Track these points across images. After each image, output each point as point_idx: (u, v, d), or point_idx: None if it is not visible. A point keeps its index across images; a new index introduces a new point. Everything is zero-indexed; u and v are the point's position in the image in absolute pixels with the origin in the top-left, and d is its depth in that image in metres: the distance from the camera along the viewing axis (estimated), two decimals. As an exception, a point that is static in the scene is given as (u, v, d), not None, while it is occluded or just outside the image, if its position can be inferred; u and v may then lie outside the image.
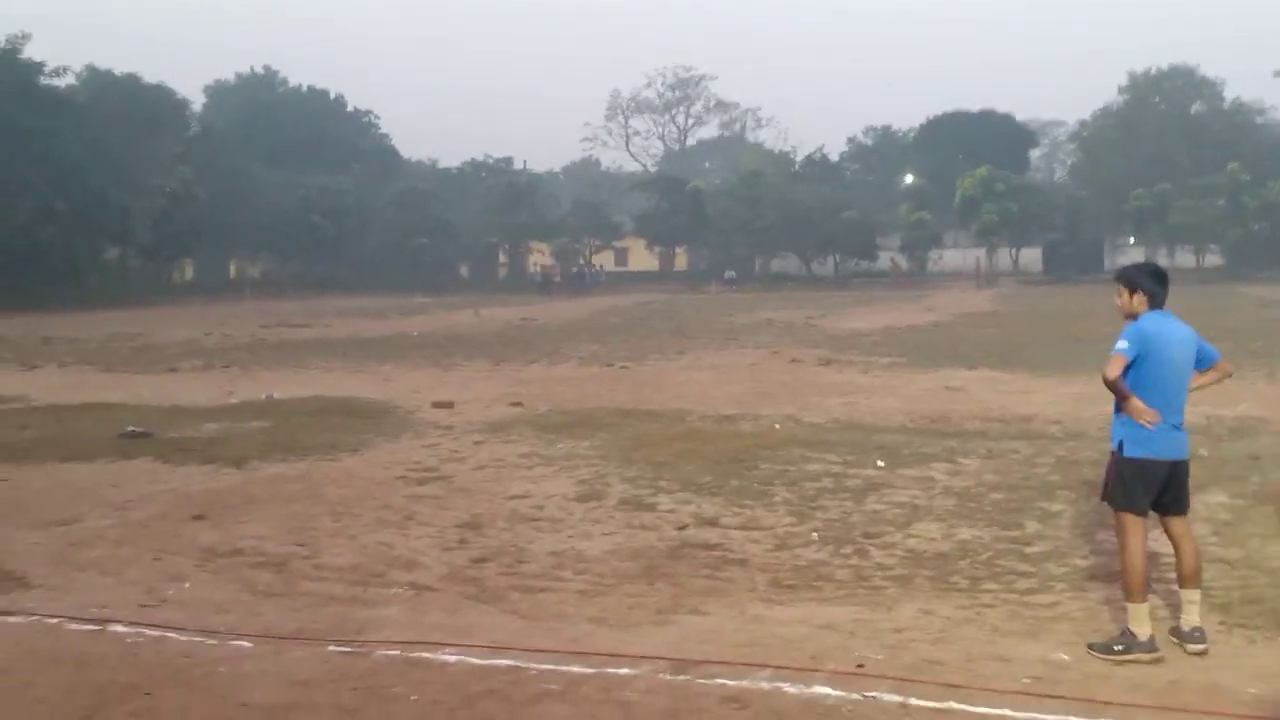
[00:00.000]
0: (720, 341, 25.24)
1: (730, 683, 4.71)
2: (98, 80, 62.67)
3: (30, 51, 55.02)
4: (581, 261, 74.19)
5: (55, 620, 5.53)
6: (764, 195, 71.00)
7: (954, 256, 74.62)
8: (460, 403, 14.14)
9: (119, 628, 5.42)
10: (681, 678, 4.78)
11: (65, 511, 8.08)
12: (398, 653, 5.09)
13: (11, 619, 5.57)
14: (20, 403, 14.93)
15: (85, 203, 53.42)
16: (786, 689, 4.63)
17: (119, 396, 15.34)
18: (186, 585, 6.20)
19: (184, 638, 5.30)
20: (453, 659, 5.02)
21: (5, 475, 9.62)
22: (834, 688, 4.61)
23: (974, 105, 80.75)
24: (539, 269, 74.16)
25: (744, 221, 70.76)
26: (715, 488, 8.63)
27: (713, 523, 7.55)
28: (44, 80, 55.66)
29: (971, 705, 4.42)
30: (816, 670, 4.81)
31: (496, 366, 19.90)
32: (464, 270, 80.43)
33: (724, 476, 9.04)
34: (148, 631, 5.36)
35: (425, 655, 5.05)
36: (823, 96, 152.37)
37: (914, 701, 4.46)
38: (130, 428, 11.81)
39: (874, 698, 4.51)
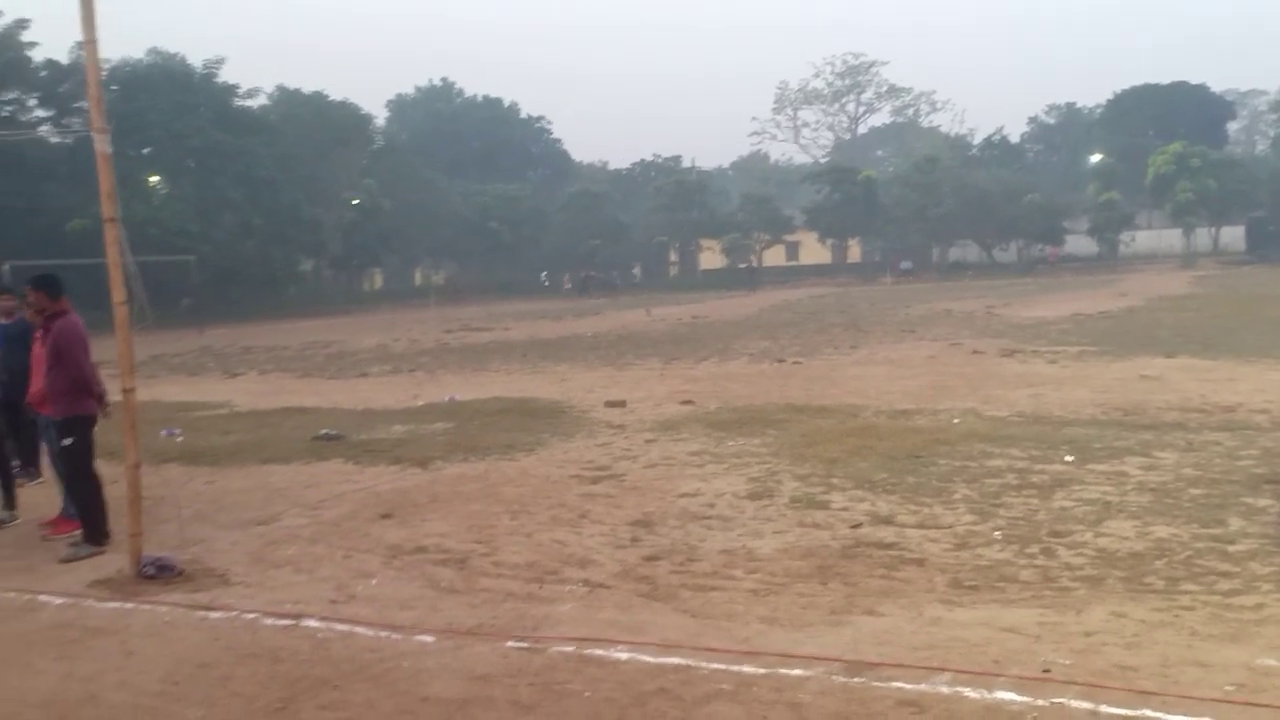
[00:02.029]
0: (896, 334, 24.66)
1: (907, 686, 4.57)
2: (288, 99, 66.34)
3: (225, 75, 58.81)
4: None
5: (253, 615, 5.86)
6: (940, 181, 69.04)
7: (1148, 238, 70.63)
8: (632, 401, 14.28)
9: (311, 623, 5.70)
10: (856, 680, 4.67)
11: (264, 511, 8.56)
12: (572, 649, 5.17)
13: (214, 614, 5.93)
14: (225, 409, 15.93)
15: (280, 218, 56.67)
16: (967, 693, 4.47)
17: (314, 401, 16.17)
18: (374, 582, 6.47)
19: (371, 633, 5.53)
20: (625, 656, 5.06)
21: (211, 478, 10.28)
22: (1018, 693, 4.42)
23: (1164, 78, 76.26)
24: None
25: (919, 209, 68.99)
26: (891, 485, 8.42)
27: (888, 521, 7.37)
28: (238, 101, 59.28)
29: (1168, 714, 4.15)
30: (999, 675, 4.61)
31: (668, 365, 20.01)
32: (637, 271, 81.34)
33: (900, 473, 8.81)
34: (337, 626, 5.62)
35: (599, 652, 5.11)
36: (1000, 77, 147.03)
37: (1105, 709, 4.23)
38: (324, 431, 12.42)
39: (1061, 704, 4.29)
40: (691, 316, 35.97)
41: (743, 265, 72.56)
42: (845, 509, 7.76)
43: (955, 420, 11.48)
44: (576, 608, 5.83)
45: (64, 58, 51.06)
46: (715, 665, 4.90)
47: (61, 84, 51.34)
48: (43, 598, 6.38)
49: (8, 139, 41.09)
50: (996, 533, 6.94)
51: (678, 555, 6.77)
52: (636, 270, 76.45)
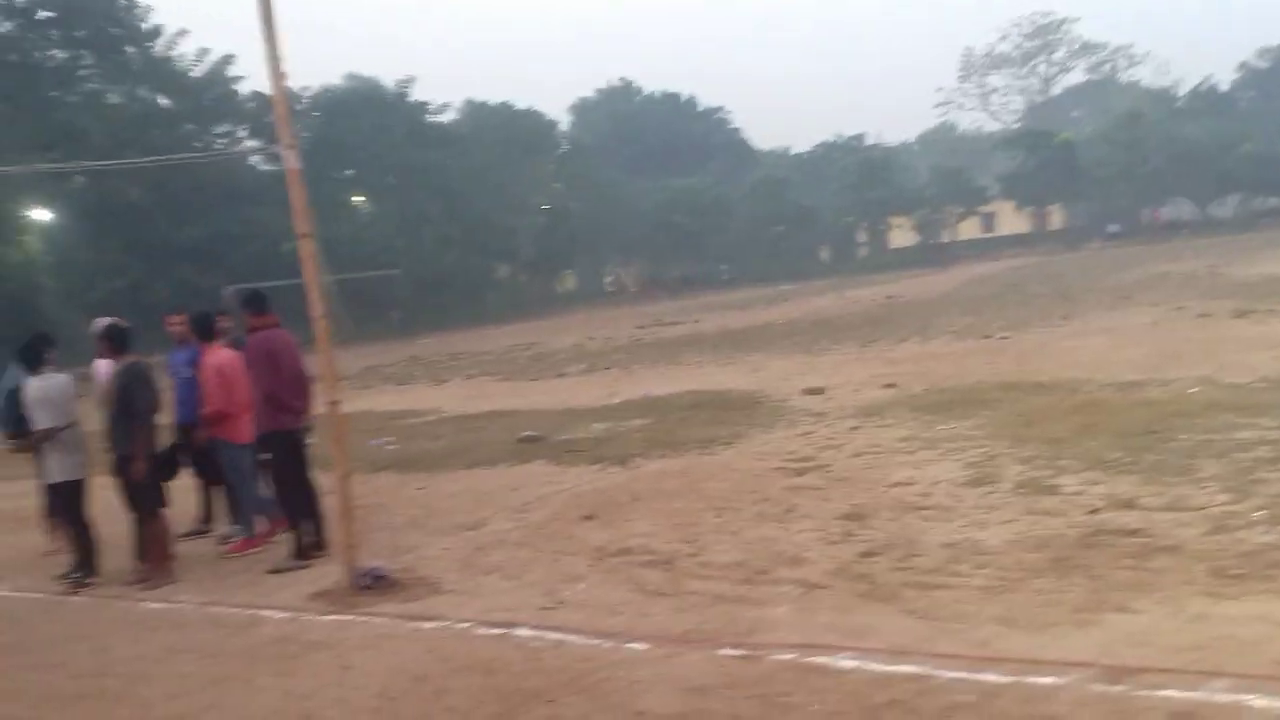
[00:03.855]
0: (1110, 301, 23.12)
1: (1178, 694, 4.04)
2: (476, 112, 68.46)
3: (416, 93, 61.22)
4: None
5: (465, 625, 5.80)
6: (1145, 138, 64.81)
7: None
8: (831, 388, 13.80)
9: (522, 631, 5.59)
10: (1117, 688, 4.16)
11: (472, 516, 8.60)
12: (792, 657, 4.85)
13: (427, 625, 5.90)
14: (434, 415, 16.35)
15: (476, 227, 58.58)
16: (1252, 702, 3.91)
17: (516, 404, 16.40)
18: (581, 586, 6.33)
19: (582, 641, 5.36)
20: (850, 665, 4.70)
21: (423, 483, 10.48)
22: (1314, 701, 3.83)
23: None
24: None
25: (1124, 169, 64.96)
26: (1127, 464, 7.70)
27: (1130, 504, 6.70)
28: (430, 118, 61.62)
29: None
30: (1288, 679, 4.02)
31: (865, 348, 19.35)
32: (824, 253, 79.97)
33: (1136, 451, 8.05)
34: (548, 635, 5.48)
35: (821, 660, 4.77)
36: (1204, 24, 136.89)
37: None
38: (526, 433, 12.51)
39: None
40: (885, 297, 34.91)
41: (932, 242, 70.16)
42: (1078, 493, 7.12)
43: (1192, 390, 10.51)
44: (791, 610, 5.50)
45: (270, 89, 54.12)
46: (952, 673, 4.48)
47: (268, 114, 54.47)
48: (265, 612, 6.54)
49: (205, 165, 43.95)
50: (1257, 513, 6.19)
51: (896, 550, 6.33)
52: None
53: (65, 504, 7.90)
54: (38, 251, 45.24)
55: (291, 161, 6.83)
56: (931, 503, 7.37)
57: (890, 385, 13.46)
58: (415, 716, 4.62)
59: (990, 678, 4.37)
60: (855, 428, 10.75)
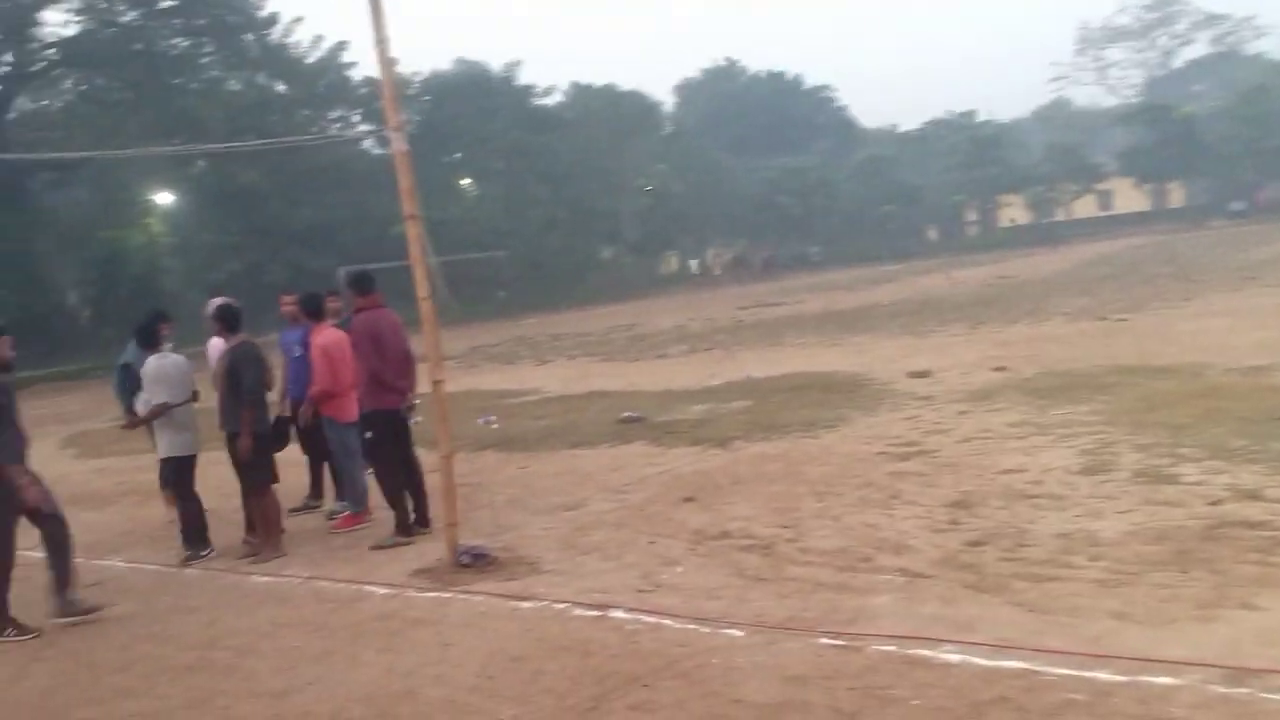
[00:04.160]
0: (1235, 282, 22.09)
1: (1309, 700, 3.81)
2: (581, 94, 68.72)
3: (523, 77, 61.85)
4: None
5: (563, 606, 5.80)
6: (1272, 111, 61.65)
7: None
8: (938, 371, 13.48)
9: (619, 614, 5.56)
10: (1240, 690, 3.94)
11: (572, 496, 8.63)
12: (894, 648, 4.72)
13: (525, 604, 5.92)
14: (536, 395, 16.49)
15: (580, 209, 59.02)
16: (1393, 712, 3.66)
17: (616, 384, 16.43)
18: (679, 569, 6.28)
19: (679, 625, 5.31)
20: (955, 658, 4.55)
21: (525, 463, 10.56)
22: None
23: None
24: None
25: (1249, 144, 62.01)
26: (1253, 453, 7.32)
27: (1255, 496, 6.36)
28: (536, 101, 62.18)
29: None
30: None
31: (974, 329, 18.86)
32: (931, 233, 78.31)
33: (1263, 439, 7.66)
34: (645, 618, 5.45)
35: (924, 652, 4.63)
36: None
37: None
38: (626, 413, 12.52)
39: None
40: (996, 277, 34.00)
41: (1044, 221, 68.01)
42: (1200, 483, 6.80)
43: (1326, 376, 9.97)
44: (894, 600, 5.36)
45: (378, 74, 55.25)
46: (1062, 670, 4.30)
47: (379, 99, 55.54)
48: (369, 588, 6.65)
49: (319, 150, 45.02)
50: (1399, 508, 5.83)
51: (1005, 540, 6.13)
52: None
53: (174, 478, 8.15)
54: (160, 234, 47.08)
55: (399, 145, 6.90)
56: (1043, 491, 7.12)
57: (1000, 368, 13.09)
58: (513, 696, 4.64)
59: (1103, 676, 4.19)
60: (963, 412, 10.47)
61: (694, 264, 75.98)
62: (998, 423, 9.67)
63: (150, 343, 8.22)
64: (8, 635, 6.37)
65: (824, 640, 4.91)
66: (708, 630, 5.20)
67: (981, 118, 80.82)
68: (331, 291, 9.68)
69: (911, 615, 5.10)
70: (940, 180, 73.60)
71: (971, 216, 79.11)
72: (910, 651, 4.66)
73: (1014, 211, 72.69)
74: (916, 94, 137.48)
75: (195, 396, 8.24)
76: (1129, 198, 73.26)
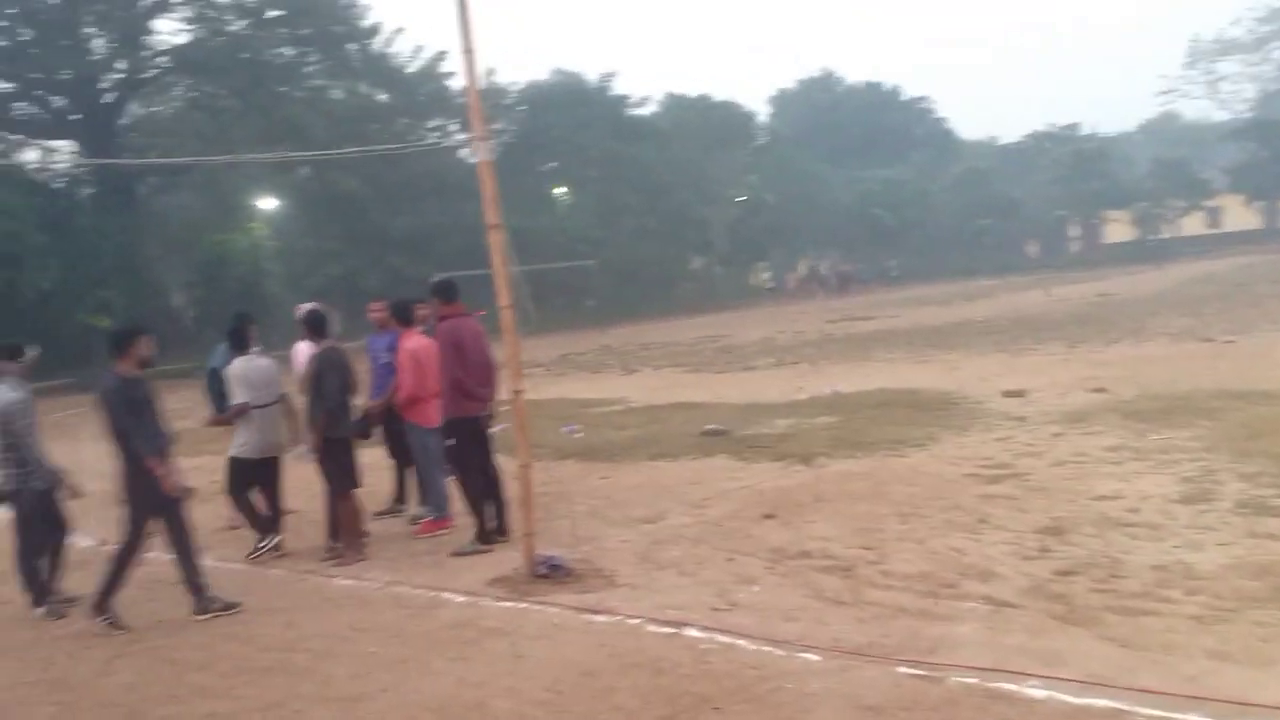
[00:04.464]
0: (1354, 305, 21.11)
1: None
2: (674, 105, 68.84)
3: (618, 87, 62.21)
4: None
5: (636, 621, 5.73)
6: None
7: None
8: (1033, 390, 13.10)
9: (693, 632, 5.48)
10: (1348, 744, 3.71)
11: (651, 508, 8.57)
12: (976, 680, 4.55)
13: (599, 618, 5.88)
14: (620, 405, 16.47)
15: (672, 219, 59.05)
16: None
17: (701, 396, 16.33)
18: (756, 589, 6.17)
19: (753, 646, 5.21)
20: (1041, 694, 4.37)
21: (606, 473, 10.53)
22: None
23: None
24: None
25: (1370, 162, 59.34)
26: (1370, 488, 6.94)
27: (1371, 533, 6.02)
28: (630, 111, 62.48)
29: None
30: None
31: (1072, 349, 18.31)
32: (1031, 248, 76.51)
33: (1381, 473, 7.26)
34: (719, 638, 5.35)
35: (1008, 686, 4.46)
36: None
37: None
38: (710, 426, 12.42)
39: None
40: (1097, 294, 33.03)
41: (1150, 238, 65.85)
42: (1309, 517, 6.46)
43: None
44: (978, 629, 5.18)
45: (465, 84, 56.05)
46: (1154, 711, 4.11)
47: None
48: (446, 595, 6.67)
49: (417, 159, 45.78)
50: None
51: (1098, 570, 5.89)
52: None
53: (231, 478, 8.30)
54: (263, 238, 48.37)
55: (483, 154, 6.95)
56: (1140, 519, 6.84)
57: (1099, 389, 12.67)
58: (583, 713, 4.59)
59: (1197, 719, 3.97)
60: (1058, 434, 10.15)
61: (766, 278, 72.99)
62: (1094, 446, 9.34)
63: (240, 345, 8.40)
64: (105, 621, 6.60)
65: (902, 669, 4.76)
66: (782, 653, 5.09)
67: (1085, 131, 78.79)
68: (422, 299, 9.80)
69: (996, 646, 4.93)
70: (1041, 194, 71.92)
71: (1074, 232, 77.08)
72: (993, 685, 4.49)
73: (1118, 228, 70.58)
74: (1018, 106, 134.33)
75: (283, 399, 8.39)
76: (1239, 215, 70.66)
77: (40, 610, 7.06)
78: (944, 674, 4.65)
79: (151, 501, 6.53)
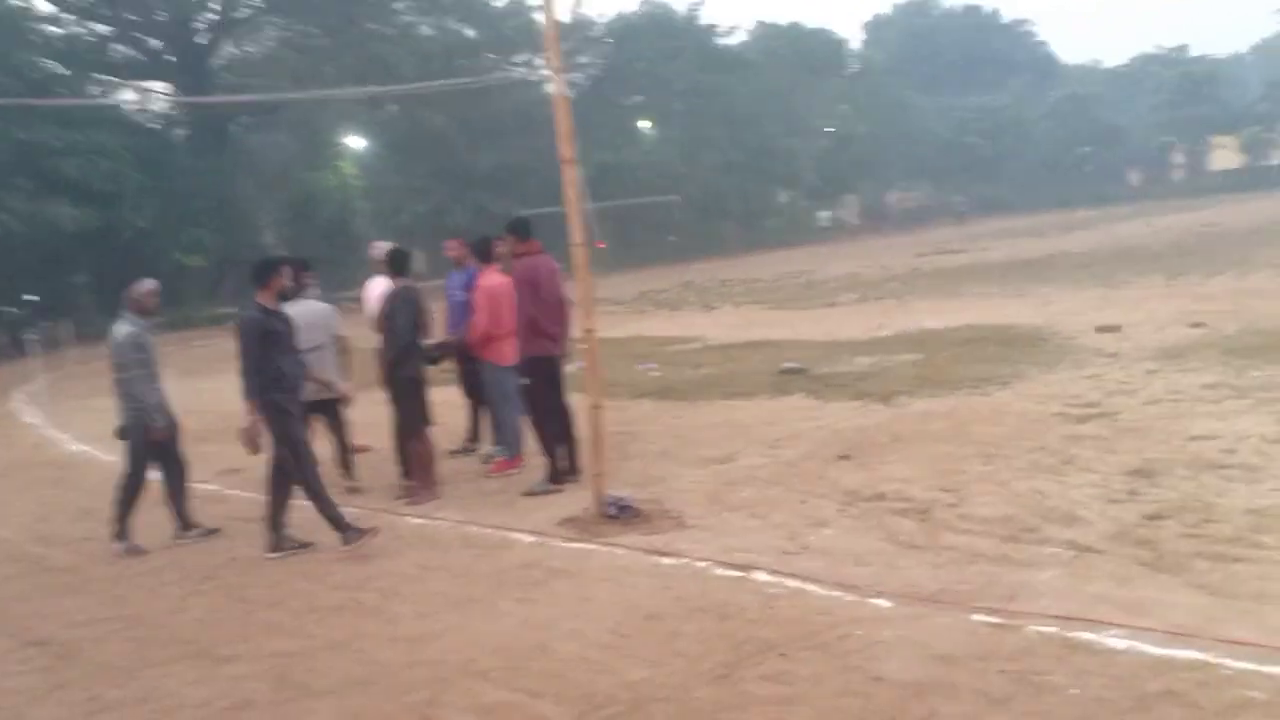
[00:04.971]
0: None
1: None
2: (764, 33, 67.44)
3: (706, 16, 61.03)
4: None
5: (703, 564, 5.63)
6: None
7: None
8: (1129, 325, 12.60)
9: (761, 575, 5.36)
10: None
11: (724, 449, 8.44)
12: (1054, 629, 4.36)
13: (666, 560, 5.79)
14: (698, 342, 16.33)
15: (758, 152, 58.15)
16: None
17: (781, 333, 16.09)
18: (828, 531, 6.02)
19: (822, 591, 5.08)
20: (1122, 644, 4.17)
21: (680, 413, 10.42)
22: None
23: None
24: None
25: None
26: None
27: None
28: (718, 41, 61.35)
29: None
30: None
31: (1172, 281, 17.58)
32: (1133, 177, 73.70)
33: None
34: (787, 582, 5.22)
35: (1087, 636, 4.26)
36: None
37: None
38: (787, 364, 12.21)
39: None
40: (1201, 224, 31.68)
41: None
42: None
43: None
44: (1059, 576, 4.97)
45: (566, 18, 55.57)
46: (1242, 664, 3.88)
47: (563, 42, 55.93)
48: (515, 535, 6.65)
49: (502, 94, 45.61)
50: None
51: (1189, 514, 5.61)
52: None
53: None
54: (352, 176, 48.94)
55: (560, 88, 6.81)
56: (1236, 461, 6.50)
57: (1198, 324, 12.12)
58: (645, 657, 4.52)
59: (1291, 674, 3.75)
60: (1153, 371, 9.73)
61: (824, 215, 68.64)
62: (1190, 384, 8.93)
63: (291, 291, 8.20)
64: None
65: (978, 617, 4.58)
66: (852, 599, 4.95)
67: (1195, 53, 75.19)
68: (501, 236, 9.71)
69: (1077, 594, 4.72)
70: (1146, 120, 69.20)
71: (1178, 159, 73.98)
72: (1072, 634, 4.29)
73: (1225, 155, 67.49)
74: (1124, 28, 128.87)
75: (338, 340, 8.35)
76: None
77: (119, 546, 7.23)
78: (1021, 622, 4.46)
79: (277, 431, 6.60)
